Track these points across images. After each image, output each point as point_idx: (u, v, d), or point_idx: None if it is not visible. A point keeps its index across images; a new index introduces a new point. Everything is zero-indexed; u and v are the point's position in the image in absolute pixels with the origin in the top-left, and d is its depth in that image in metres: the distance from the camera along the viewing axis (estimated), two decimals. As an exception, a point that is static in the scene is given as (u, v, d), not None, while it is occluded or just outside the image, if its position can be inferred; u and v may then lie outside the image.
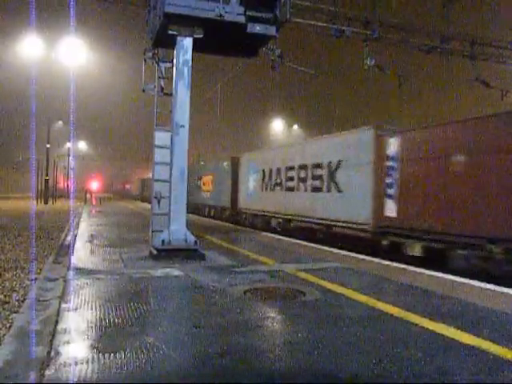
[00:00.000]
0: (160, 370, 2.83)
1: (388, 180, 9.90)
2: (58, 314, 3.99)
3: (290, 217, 14.25)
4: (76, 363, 2.88)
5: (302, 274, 6.06)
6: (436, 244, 8.57)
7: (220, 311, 4.22)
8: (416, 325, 3.84)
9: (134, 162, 69.58)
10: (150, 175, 9.29)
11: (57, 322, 3.73)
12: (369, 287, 5.39)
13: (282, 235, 12.36)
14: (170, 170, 7.37)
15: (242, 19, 7.23)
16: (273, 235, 12.11)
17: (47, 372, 2.74)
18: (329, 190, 12.04)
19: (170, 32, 7.16)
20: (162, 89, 8.49)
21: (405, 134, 9.71)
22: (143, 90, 8.55)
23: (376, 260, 7.76)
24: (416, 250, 9.09)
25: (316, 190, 12.71)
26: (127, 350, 3.10)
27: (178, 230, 7.27)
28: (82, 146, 69.76)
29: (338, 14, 16.30)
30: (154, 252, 7.20)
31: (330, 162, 12.00)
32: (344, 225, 11.26)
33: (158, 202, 7.93)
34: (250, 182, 17.96)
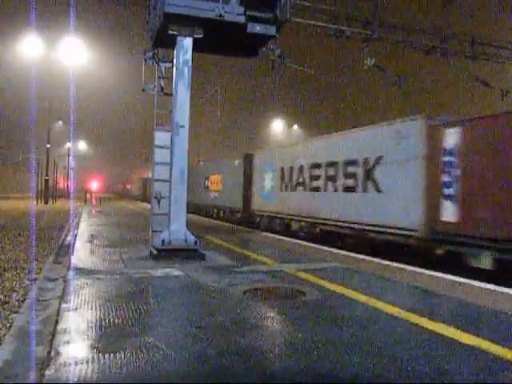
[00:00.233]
0: (160, 370, 2.83)
1: (445, 178, 8.40)
2: (58, 314, 3.99)
3: (315, 220, 12.70)
4: (76, 363, 2.88)
5: (302, 274, 6.06)
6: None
7: (220, 311, 4.22)
8: (416, 325, 3.84)
9: (135, 162, 69.66)
10: (151, 175, 9.29)
11: (57, 322, 3.73)
12: (369, 287, 5.39)
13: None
14: (170, 170, 7.38)
15: (241, 19, 7.23)
16: (273, 235, 12.10)
17: (47, 372, 2.74)
18: (365, 190, 10.58)
19: (170, 32, 7.16)
20: (162, 89, 8.48)
21: (469, 124, 8.21)
22: (143, 90, 8.54)
23: (376, 260, 7.76)
24: (484, 261, 7.65)
25: (349, 190, 11.23)
26: (127, 350, 3.09)
27: (178, 230, 7.26)
28: (82, 146, 69.80)
29: (338, 14, 16.32)
30: (154, 252, 7.21)
31: (367, 159, 10.52)
32: (383, 230, 9.79)
33: (158, 202, 7.93)
34: (265, 182, 16.41)
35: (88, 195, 39.47)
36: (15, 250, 8.62)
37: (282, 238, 11.43)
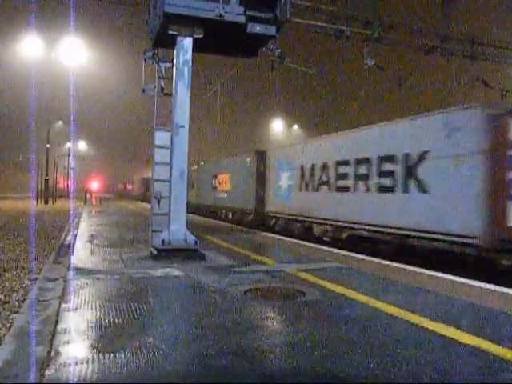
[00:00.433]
0: (160, 370, 2.83)
1: None
2: (57, 314, 3.99)
3: (342, 224, 11.39)
4: (76, 363, 2.88)
5: (302, 274, 6.06)
6: None
7: (220, 311, 4.22)
8: (416, 325, 3.84)
9: (136, 162, 69.65)
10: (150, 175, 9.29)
11: (57, 322, 3.73)
12: (369, 287, 5.39)
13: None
14: (170, 170, 7.38)
15: (241, 19, 7.23)
16: (273, 235, 12.10)
17: (47, 372, 2.74)
18: (405, 190, 9.35)
19: (170, 32, 7.16)
20: (162, 89, 8.48)
21: None
22: (143, 90, 8.54)
23: (376, 260, 7.76)
24: None
25: (385, 190, 10.01)
26: (127, 350, 3.09)
27: (177, 230, 7.27)
28: (82, 146, 69.80)
29: (338, 14, 16.32)
30: (154, 252, 7.21)
31: (408, 154, 9.31)
32: (429, 236, 8.57)
33: (158, 202, 7.93)
34: (281, 181, 15.06)
35: (88, 195, 39.47)
36: (15, 250, 8.62)
37: (282, 237, 11.42)
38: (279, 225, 15.20)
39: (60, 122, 48.98)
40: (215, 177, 22.37)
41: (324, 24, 16.21)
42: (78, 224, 14.21)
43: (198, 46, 7.42)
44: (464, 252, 8.02)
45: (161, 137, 8.01)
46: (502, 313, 4.30)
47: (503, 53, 19.11)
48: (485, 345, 3.33)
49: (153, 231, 7.88)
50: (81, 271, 6.07)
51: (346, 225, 11.24)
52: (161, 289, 5.25)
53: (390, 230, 9.72)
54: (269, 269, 6.54)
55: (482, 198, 7.67)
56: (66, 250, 8.30)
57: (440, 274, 6.34)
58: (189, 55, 7.32)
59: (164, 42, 7.82)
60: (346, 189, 11.40)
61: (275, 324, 3.94)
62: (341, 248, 9.72)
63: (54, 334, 3.44)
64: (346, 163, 11.45)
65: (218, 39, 7.84)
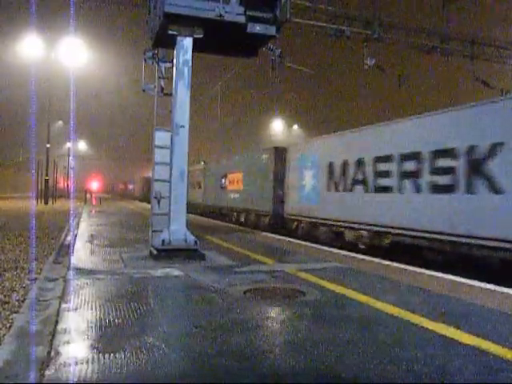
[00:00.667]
0: (160, 370, 2.83)
1: None
2: (57, 314, 3.99)
3: (383, 229, 9.99)
4: (76, 363, 2.88)
5: (302, 274, 6.06)
6: None
7: (220, 311, 4.22)
8: (416, 325, 3.84)
9: (136, 162, 69.65)
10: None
11: (57, 322, 3.73)
12: (369, 287, 5.39)
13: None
14: (170, 170, 7.38)
15: (242, 19, 7.23)
16: (273, 235, 12.09)
17: (47, 372, 2.74)
18: (470, 191, 8.01)
19: (170, 32, 7.16)
20: (162, 89, 8.48)
21: None
22: (143, 90, 8.55)
23: (376, 260, 7.76)
24: None
25: (440, 190, 8.63)
26: (127, 350, 3.10)
27: (177, 230, 7.27)
28: (82, 146, 69.85)
29: (338, 14, 16.34)
30: (154, 252, 7.21)
31: (474, 147, 7.95)
32: (506, 246, 7.32)
33: (158, 202, 7.93)
34: (305, 180, 13.59)
35: (88, 195, 39.47)
36: (15, 250, 8.62)
37: (281, 237, 11.42)
38: (302, 229, 13.69)
39: (60, 122, 49.03)
40: (225, 176, 20.86)
41: (324, 24, 16.23)
42: (78, 224, 14.21)
43: (198, 46, 7.42)
44: None
45: (161, 137, 8.01)
46: (502, 313, 4.30)
47: (503, 53, 19.13)
48: (485, 345, 3.33)
49: (153, 231, 7.88)
50: (81, 271, 6.07)
51: (387, 230, 9.84)
52: (161, 289, 5.25)
53: (447, 238, 8.38)
54: (269, 269, 6.54)
55: None
56: (66, 249, 8.30)
57: (440, 274, 6.34)
58: (189, 55, 7.32)
59: (164, 41, 7.82)
60: (387, 189, 10.00)
61: (275, 324, 3.94)
62: (340, 248, 9.72)
63: (53, 334, 3.44)
64: (388, 159, 9.99)
65: (218, 39, 7.84)
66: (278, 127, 48.94)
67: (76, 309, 4.18)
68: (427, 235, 8.80)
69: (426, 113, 9.60)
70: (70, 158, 45.15)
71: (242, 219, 18.19)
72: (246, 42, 8.08)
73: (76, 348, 3.19)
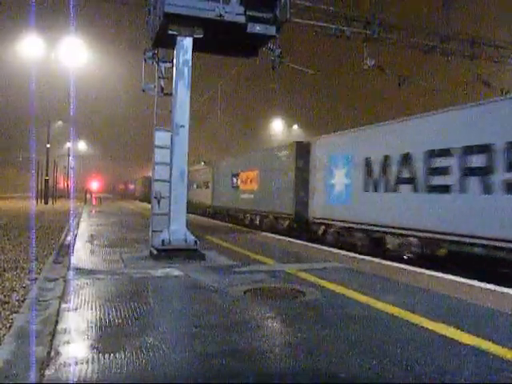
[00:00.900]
0: (160, 370, 2.83)
1: None
2: (57, 314, 3.99)
3: (439, 236, 8.40)
4: (76, 363, 2.88)
5: (302, 274, 6.06)
6: None
7: (220, 311, 4.22)
8: (416, 325, 3.84)
9: (137, 162, 69.67)
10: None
11: (57, 322, 3.73)
12: (369, 287, 5.39)
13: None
14: (170, 170, 7.38)
15: (241, 19, 7.23)
16: (273, 235, 12.09)
17: (47, 372, 2.74)
18: None
19: (170, 32, 7.16)
20: (162, 89, 8.48)
21: None
22: (143, 90, 8.55)
23: (376, 260, 7.76)
24: None
25: None
26: (127, 350, 3.10)
27: (177, 230, 7.27)
28: (82, 146, 69.86)
29: (338, 14, 16.34)
30: (154, 252, 7.21)
31: None
32: None
33: (158, 202, 7.93)
34: (334, 179, 11.92)
35: (88, 195, 39.48)
36: (15, 250, 8.62)
37: (281, 237, 11.41)
38: (331, 234, 12.00)
39: (60, 122, 49.04)
40: (236, 175, 19.11)
41: (324, 24, 16.23)
42: (78, 224, 14.21)
43: (198, 46, 7.43)
44: None
45: (161, 137, 8.01)
46: (502, 313, 4.30)
47: (503, 53, 19.13)
48: (485, 345, 3.33)
49: (153, 231, 7.88)
50: (81, 271, 6.07)
51: (444, 238, 8.26)
52: (161, 289, 5.25)
53: None
54: (269, 269, 6.54)
55: None
56: (66, 250, 8.30)
57: (440, 274, 6.34)
58: (189, 55, 7.32)
59: (164, 41, 7.82)
60: (445, 188, 8.45)
61: (275, 324, 3.94)
62: (340, 248, 9.68)
63: (53, 334, 3.44)
64: (445, 153, 8.39)
65: (218, 39, 7.85)
66: (277, 127, 48.97)
67: (76, 309, 4.18)
68: (503, 245, 7.25)
69: (490, 98, 8.44)
70: (70, 157, 45.17)
71: (257, 222, 16.49)
72: (246, 42, 8.08)
73: (76, 348, 3.19)
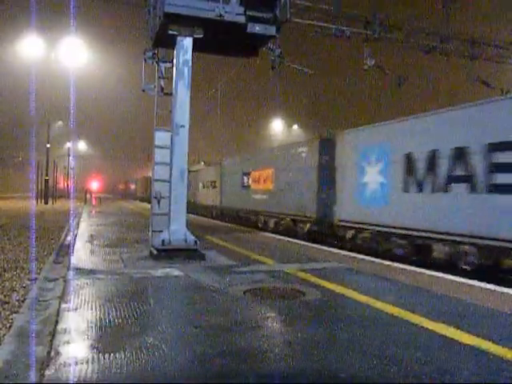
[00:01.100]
0: (160, 370, 2.83)
1: None
2: (57, 313, 3.99)
3: (501, 243, 7.11)
4: (76, 363, 2.88)
5: (302, 274, 6.06)
6: None
7: (220, 311, 4.22)
8: (416, 325, 3.84)
9: (138, 162, 69.67)
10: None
11: (57, 322, 3.73)
12: (369, 287, 5.39)
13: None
14: (170, 170, 7.38)
15: (241, 19, 7.23)
16: (273, 235, 12.09)
17: (47, 372, 2.74)
18: None
19: (170, 32, 7.16)
20: (162, 89, 8.49)
21: None
22: (143, 90, 8.55)
23: (376, 260, 7.76)
24: None
25: None
26: (127, 350, 3.10)
27: (177, 230, 7.27)
28: (82, 146, 69.86)
29: (338, 14, 16.33)
30: (154, 252, 7.21)
31: None
32: None
33: (158, 202, 7.94)
34: (367, 177, 10.46)
35: (88, 195, 39.48)
36: (15, 250, 8.62)
37: (281, 237, 11.41)
38: (363, 240, 10.55)
39: (60, 122, 49.05)
40: (248, 174, 17.76)
41: (324, 24, 16.23)
42: (78, 224, 14.22)
43: (198, 46, 7.43)
44: None
45: (161, 137, 8.01)
46: (501, 313, 4.30)
47: (503, 53, 19.13)
48: (485, 345, 3.33)
49: (153, 231, 7.89)
50: (81, 271, 6.07)
51: (509, 246, 7.05)
52: (161, 289, 5.25)
53: None
54: (269, 269, 6.54)
55: None
56: (65, 250, 8.30)
57: (440, 274, 6.34)
58: (189, 55, 7.32)
59: (164, 41, 7.83)
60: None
61: (275, 324, 3.94)
62: (341, 248, 9.68)
63: (53, 334, 3.44)
64: (510, 147, 7.09)
65: (218, 39, 7.85)
66: (277, 127, 48.95)
67: (76, 309, 4.18)
68: None
69: None
70: (70, 158, 45.16)
71: (272, 225, 15.10)
72: (246, 42, 8.08)
73: (76, 348, 3.19)
